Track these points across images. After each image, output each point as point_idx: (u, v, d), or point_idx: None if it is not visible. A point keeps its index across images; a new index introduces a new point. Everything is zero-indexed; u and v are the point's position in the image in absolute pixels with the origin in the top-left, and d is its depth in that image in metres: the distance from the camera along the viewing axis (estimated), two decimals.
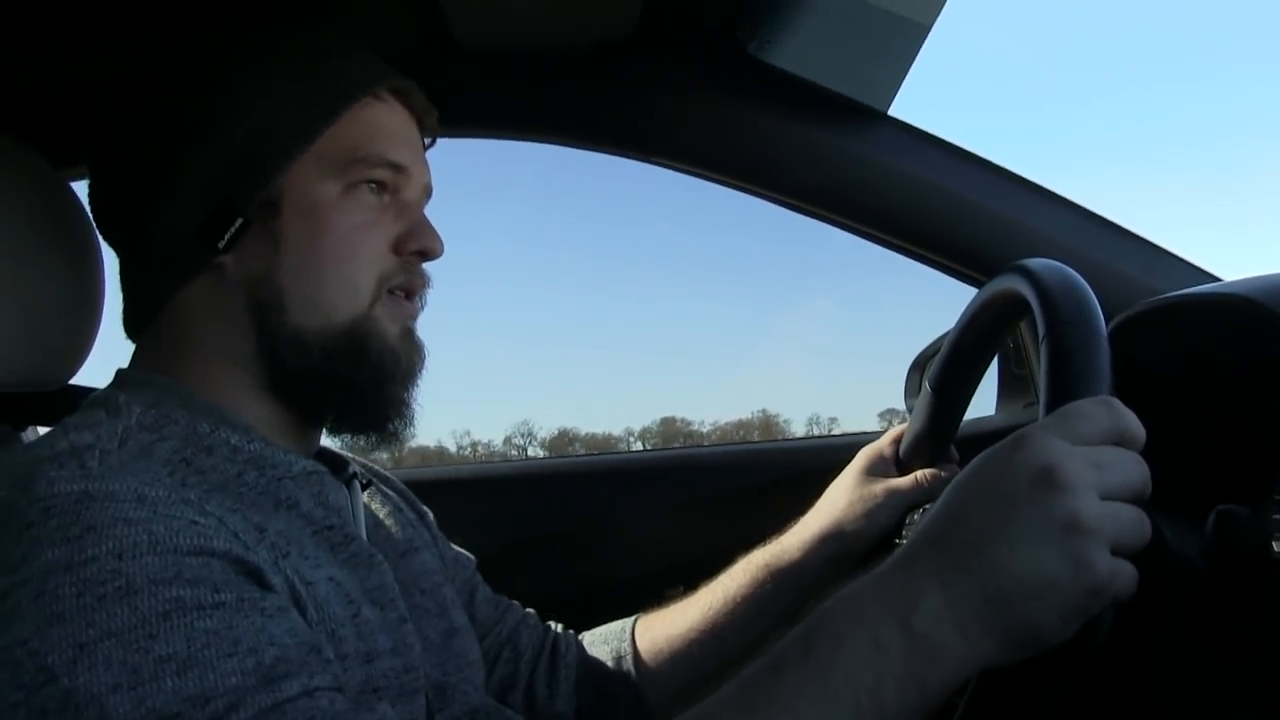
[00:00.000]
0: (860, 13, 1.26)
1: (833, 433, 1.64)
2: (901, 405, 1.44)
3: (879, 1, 1.26)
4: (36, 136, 1.06)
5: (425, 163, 0.96)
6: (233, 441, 0.83)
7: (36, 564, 0.66)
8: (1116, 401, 0.68)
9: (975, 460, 0.68)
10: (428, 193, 0.96)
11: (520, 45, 1.23)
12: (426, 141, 0.98)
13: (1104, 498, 0.64)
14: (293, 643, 0.69)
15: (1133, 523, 0.64)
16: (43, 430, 1.45)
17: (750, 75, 1.27)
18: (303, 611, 0.75)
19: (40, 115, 1.18)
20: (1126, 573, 0.64)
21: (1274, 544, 0.77)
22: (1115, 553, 0.63)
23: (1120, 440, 0.67)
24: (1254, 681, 0.70)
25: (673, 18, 1.20)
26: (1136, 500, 0.66)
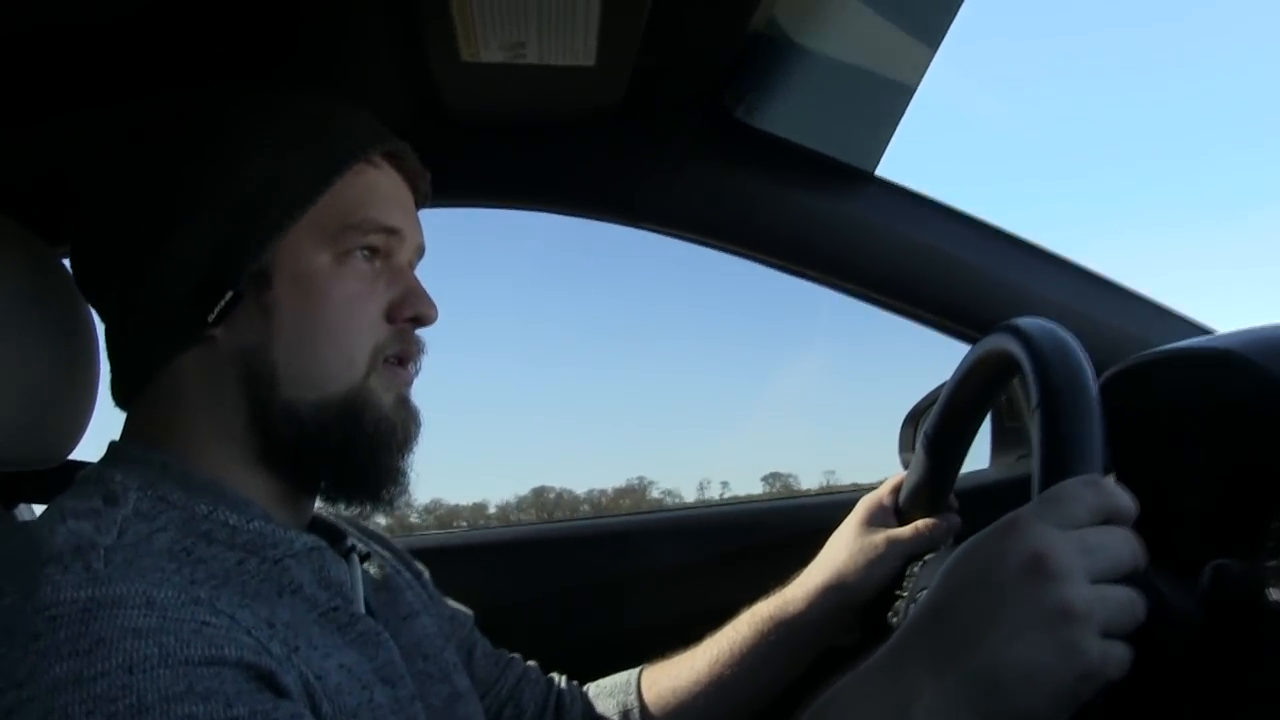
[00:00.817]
0: (845, 76, 1.27)
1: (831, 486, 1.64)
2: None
3: (864, 64, 1.28)
4: (27, 213, 1.05)
5: (418, 224, 0.95)
6: (231, 522, 0.81)
7: (44, 680, 0.64)
8: (1104, 481, 0.69)
9: (966, 544, 0.69)
10: (420, 253, 0.95)
11: (511, 116, 1.25)
12: (419, 205, 0.97)
13: (1094, 581, 0.64)
14: None
15: (1123, 605, 0.65)
16: (36, 508, 1.45)
17: (738, 140, 1.29)
18: (316, 708, 0.73)
19: (31, 191, 1.17)
20: (1118, 654, 0.64)
21: (1270, 591, 0.78)
22: (1107, 635, 0.63)
23: (1111, 518, 0.67)
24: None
25: (660, 86, 1.22)
26: (1128, 578, 0.66)
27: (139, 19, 0.98)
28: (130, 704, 0.63)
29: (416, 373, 0.93)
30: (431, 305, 0.91)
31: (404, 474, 0.91)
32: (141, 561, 0.72)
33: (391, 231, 0.90)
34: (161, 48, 1.04)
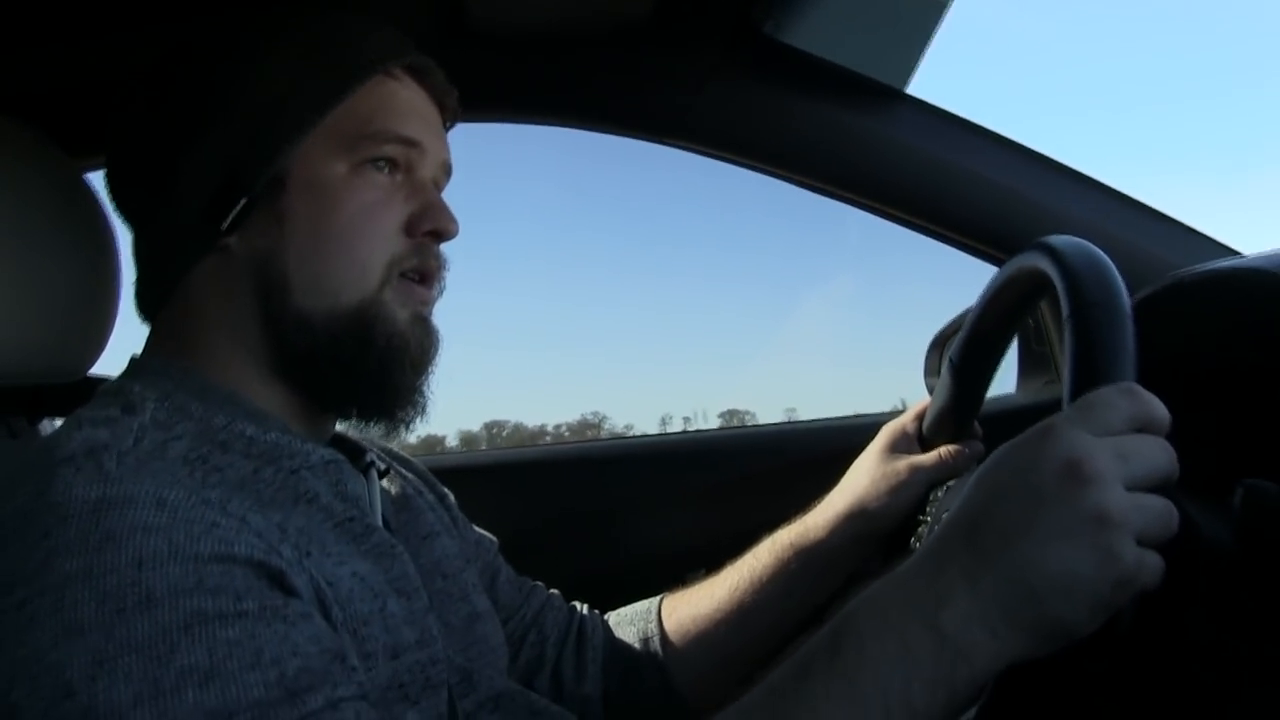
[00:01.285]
0: None
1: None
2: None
3: None
4: (52, 127, 1.06)
5: (444, 140, 0.93)
6: (248, 433, 0.81)
7: (55, 575, 0.64)
8: (1139, 388, 0.68)
9: (999, 451, 0.68)
10: (446, 171, 0.94)
11: (536, 29, 1.23)
12: (447, 124, 0.95)
13: (1130, 488, 0.64)
14: (316, 650, 0.68)
15: (1159, 513, 0.64)
16: (59, 422, 1.47)
17: (767, 56, 1.27)
18: (327, 612, 0.74)
19: (55, 106, 1.18)
20: (1153, 563, 0.64)
21: None
22: (1142, 543, 0.63)
23: (1145, 427, 0.66)
24: None
25: (690, 2, 1.21)
26: (1163, 487, 0.66)
27: None
28: (139, 598, 0.64)
29: (440, 293, 0.92)
30: (452, 220, 0.90)
31: (419, 393, 0.90)
32: (153, 464, 0.73)
33: (410, 143, 0.88)
34: None
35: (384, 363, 0.87)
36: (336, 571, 0.77)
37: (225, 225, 0.84)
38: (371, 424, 0.91)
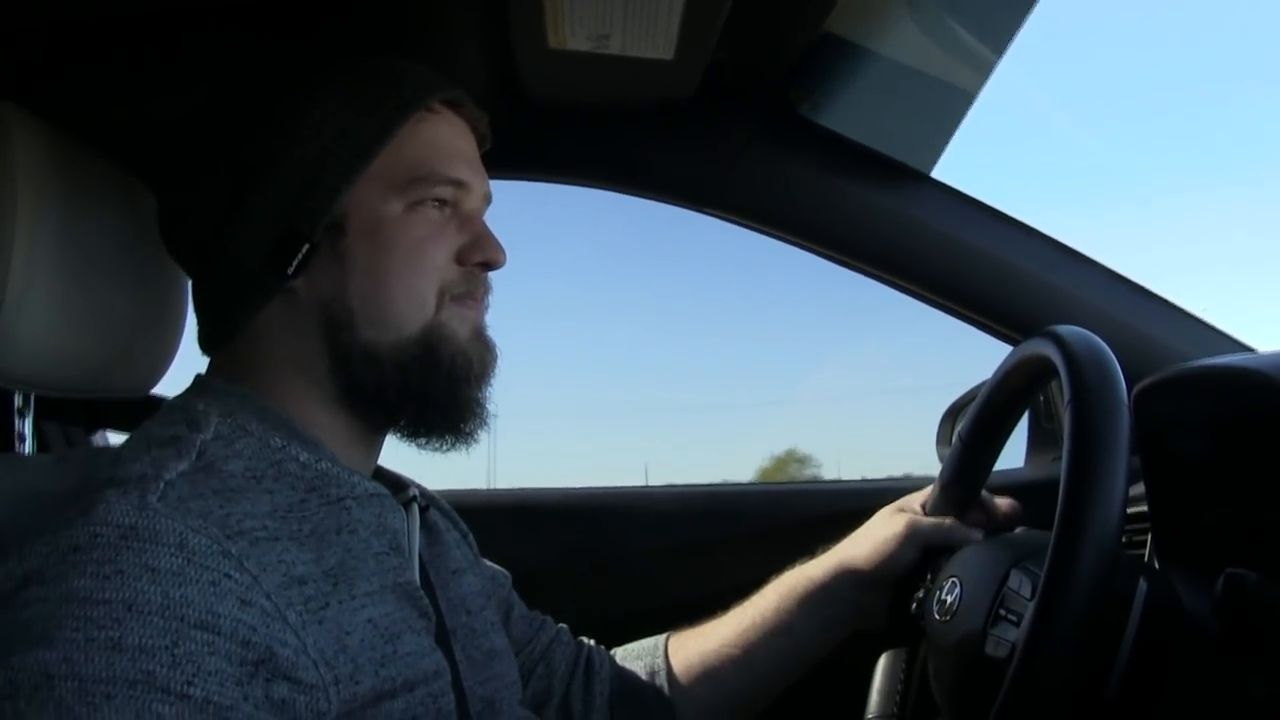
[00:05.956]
0: (908, 79, 1.31)
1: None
2: None
3: (927, 69, 1.32)
4: (136, 161, 1.12)
5: (483, 172, 0.97)
6: (302, 458, 0.85)
7: (63, 586, 0.69)
8: None
9: None
10: (487, 200, 0.98)
11: (587, 101, 1.30)
12: (482, 150, 0.99)
13: None
14: None
15: None
16: (113, 437, 1.51)
17: (801, 135, 1.33)
18: (334, 668, 0.76)
19: (135, 138, 1.23)
20: None
21: None
22: None
23: None
24: None
25: (731, 80, 1.26)
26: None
27: None
28: (112, 638, 0.67)
29: (487, 308, 0.97)
30: (500, 250, 0.94)
31: (482, 406, 0.95)
32: (193, 503, 0.76)
33: (458, 184, 0.93)
34: (257, 21, 1.09)
35: (451, 381, 0.91)
36: (353, 620, 0.80)
37: (290, 271, 0.88)
38: (438, 442, 0.95)
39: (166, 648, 0.68)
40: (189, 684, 0.68)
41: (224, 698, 0.69)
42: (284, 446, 0.85)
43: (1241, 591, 0.75)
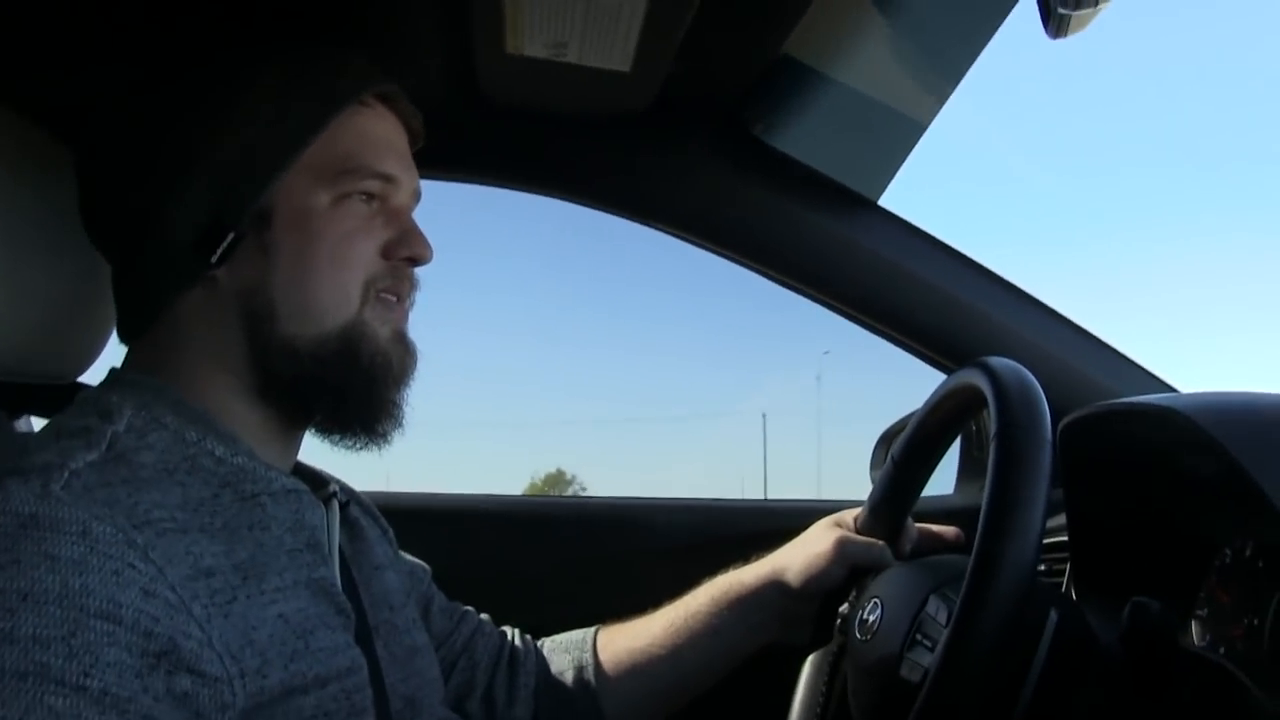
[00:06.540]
0: (861, 107, 1.33)
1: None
2: None
3: (880, 97, 1.34)
4: (66, 133, 1.07)
5: (413, 168, 0.97)
6: (217, 453, 0.85)
7: None
8: None
9: None
10: (416, 197, 0.97)
11: (542, 106, 1.30)
12: (413, 147, 0.99)
13: None
14: None
15: None
16: (36, 422, 1.48)
17: (752, 155, 1.34)
18: (240, 662, 0.76)
19: (69, 111, 1.16)
20: None
21: (1191, 636, 0.85)
22: None
23: None
24: None
25: (686, 96, 1.27)
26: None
27: None
28: (4, 628, 0.67)
29: (410, 307, 0.97)
30: (426, 245, 0.94)
31: (399, 407, 0.95)
32: (100, 491, 0.75)
33: (387, 179, 0.93)
34: (213, 7, 1.08)
35: (368, 380, 0.91)
36: (262, 615, 0.79)
37: (214, 259, 0.87)
38: (351, 440, 0.95)
39: (63, 638, 0.67)
40: (85, 675, 0.67)
41: (123, 689, 0.69)
42: (199, 440, 0.85)
43: (1145, 619, 0.77)
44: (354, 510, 1.02)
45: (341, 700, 0.82)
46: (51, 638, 0.67)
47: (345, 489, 1.05)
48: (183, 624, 0.73)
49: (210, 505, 0.81)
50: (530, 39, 1.07)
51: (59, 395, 1.03)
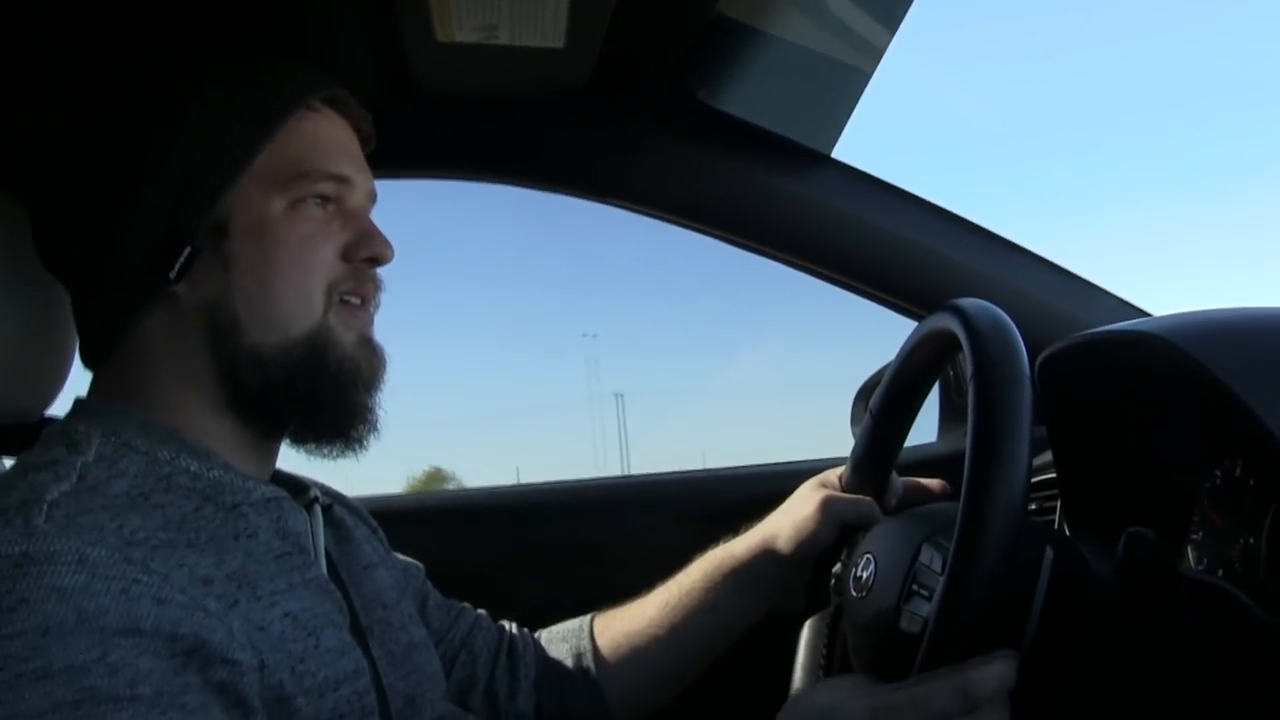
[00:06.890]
0: (803, 60, 1.32)
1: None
2: None
3: (821, 49, 1.32)
4: (4, 170, 1.05)
5: (367, 169, 0.96)
6: (192, 469, 0.84)
7: None
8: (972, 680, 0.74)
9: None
10: (372, 198, 0.97)
11: (480, 93, 1.28)
12: (365, 149, 0.98)
13: None
14: None
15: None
16: (8, 462, 1.45)
17: (699, 120, 1.33)
18: (260, 655, 0.76)
19: (6, 147, 1.16)
20: None
21: (1187, 562, 0.84)
22: None
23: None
24: (1164, 680, 0.77)
25: (626, 68, 1.26)
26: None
27: None
28: (37, 668, 0.65)
29: (376, 310, 0.96)
30: (386, 245, 0.93)
31: (372, 412, 0.94)
32: (83, 518, 0.74)
33: (341, 180, 0.92)
34: (131, 16, 1.05)
35: (337, 386, 0.90)
36: (266, 615, 0.79)
37: (173, 276, 0.86)
38: (326, 447, 0.94)
39: (98, 660, 0.67)
40: (133, 685, 0.67)
41: (171, 686, 0.69)
42: (173, 459, 0.84)
43: (1141, 549, 0.76)
44: (338, 511, 1.01)
45: (354, 702, 0.82)
46: (88, 662, 0.66)
47: (328, 492, 1.04)
48: (202, 620, 0.73)
49: (193, 521, 0.80)
50: (460, 25, 1.05)
51: (27, 433, 0.99)
